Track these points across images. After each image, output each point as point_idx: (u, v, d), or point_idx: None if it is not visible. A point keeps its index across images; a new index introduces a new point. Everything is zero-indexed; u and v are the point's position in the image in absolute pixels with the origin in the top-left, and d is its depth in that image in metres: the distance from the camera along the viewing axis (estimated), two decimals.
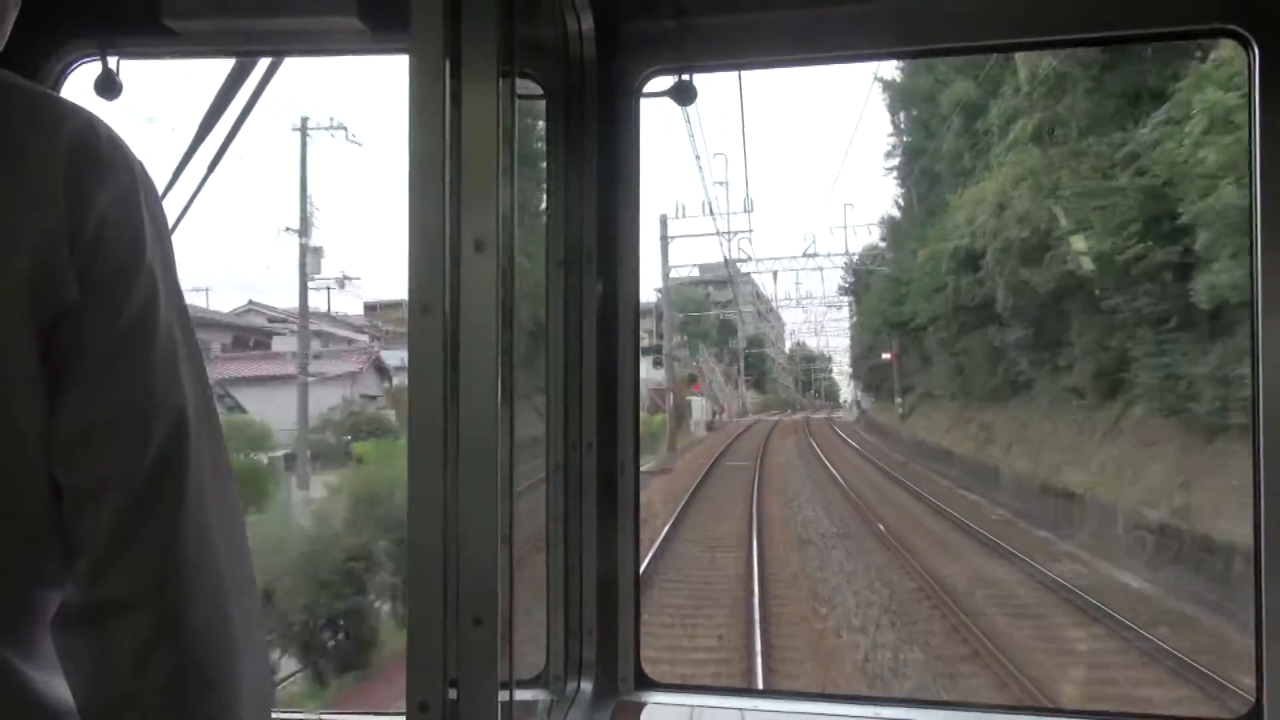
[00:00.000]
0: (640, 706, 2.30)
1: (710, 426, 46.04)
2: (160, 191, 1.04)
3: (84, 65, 2.22)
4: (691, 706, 2.33)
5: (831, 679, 9.56)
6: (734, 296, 56.41)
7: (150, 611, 0.90)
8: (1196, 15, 2.12)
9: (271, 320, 29.36)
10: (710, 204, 40.60)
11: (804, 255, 42.99)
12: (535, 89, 2.26)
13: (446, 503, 1.46)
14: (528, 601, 2.20)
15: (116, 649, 0.89)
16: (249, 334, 29.58)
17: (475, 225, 1.50)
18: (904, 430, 35.24)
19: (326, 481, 15.61)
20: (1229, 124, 12.77)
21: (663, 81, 2.33)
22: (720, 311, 59.38)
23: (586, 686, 2.28)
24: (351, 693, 10.13)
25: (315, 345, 28.13)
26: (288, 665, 10.31)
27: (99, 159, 0.94)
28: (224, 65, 2.21)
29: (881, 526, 16.95)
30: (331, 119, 21.64)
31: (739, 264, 41.47)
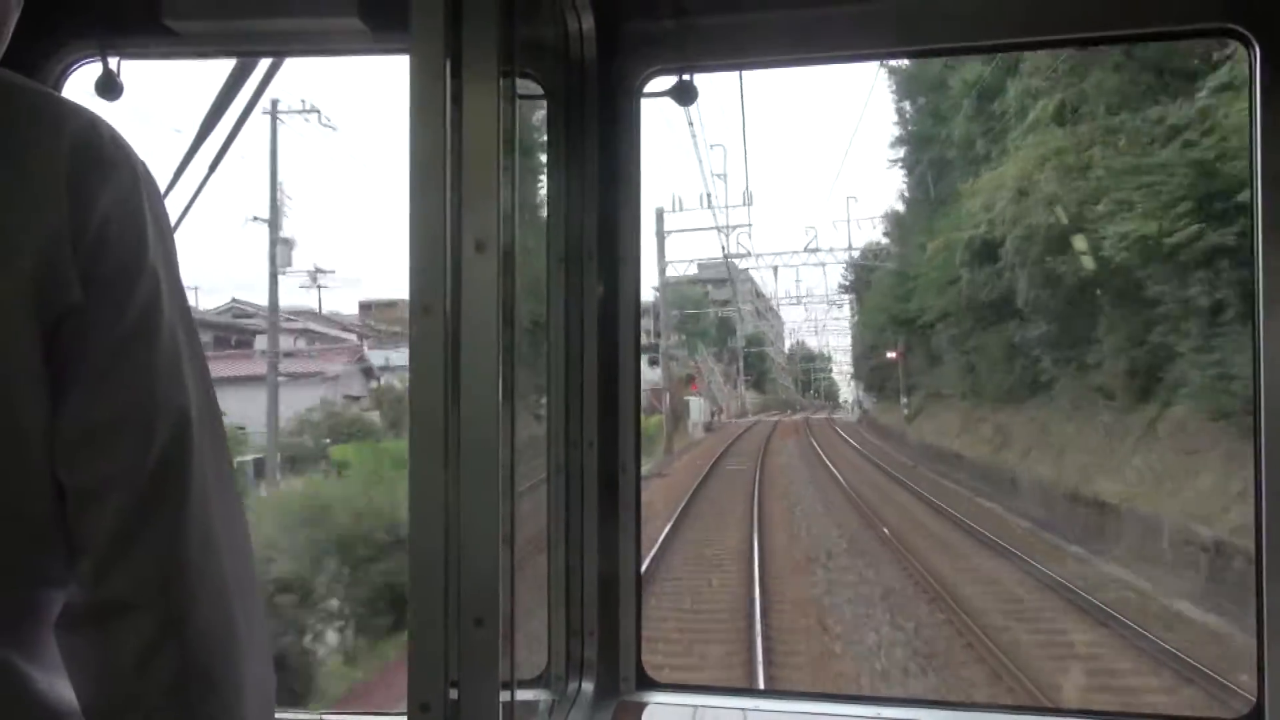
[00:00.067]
0: (642, 706, 2.30)
1: (709, 427, 45.24)
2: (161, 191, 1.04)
3: (84, 66, 2.22)
4: (693, 706, 2.33)
5: None
6: (733, 294, 55.68)
7: (154, 612, 0.90)
8: (1197, 15, 2.12)
9: (236, 317, 28.86)
10: (709, 197, 38.46)
11: (805, 250, 41.85)
12: (536, 89, 2.27)
13: (448, 503, 1.46)
14: (529, 601, 2.20)
15: (120, 649, 0.89)
16: (231, 333, 29.25)
17: (476, 225, 1.51)
18: (909, 432, 33.77)
19: (295, 489, 14.94)
20: None
21: (663, 81, 2.33)
22: (719, 309, 58.84)
23: (588, 686, 2.28)
24: None
25: (301, 344, 27.73)
26: None
27: (102, 159, 0.94)
28: (224, 65, 2.22)
29: (895, 540, 15.27)
30: (303, 101, 20.40)
31: (738, 259, 40.41)
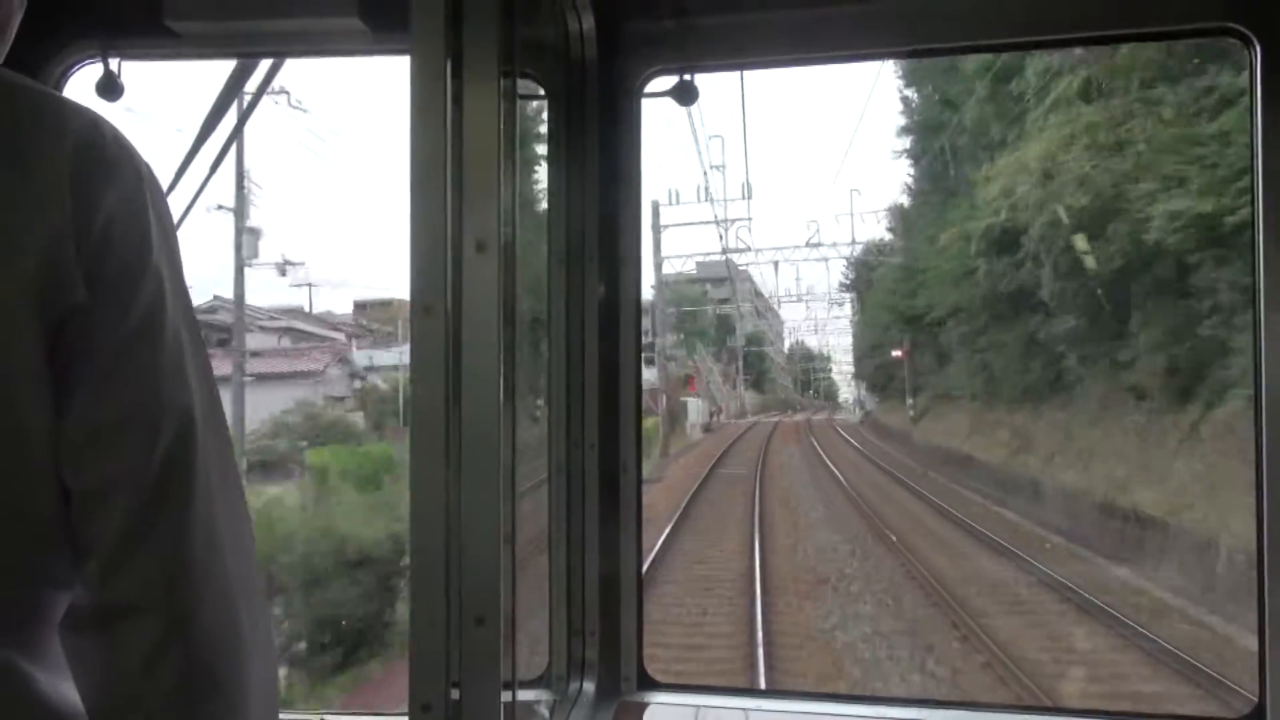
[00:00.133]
0: (643, 707, 2.30)
1: (707, 429, 44.55)
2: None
3: (86, 67, 2.23)
4: (695, 706, 2.33)
5: None
6: (732, 292, 55.04)
7: (159, 613, 0.90)
8: (1198, 14, 2.12)
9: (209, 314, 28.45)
10: (707, 190, 37.01)
11: (807, 245, 39.90)
12: (536, 89, 2.27)
13: (449, 503, 1.46)
14: (530, 601, 2.20)
15: (125, 651, 0.90)
16: (211, 331, 28.97)
17: (477, 225, 1.51)
18: (916, 434, 32.10)
19: (262, 495, 14.30)
20: None
21: (664, 81, 2.33)
22: (717, 307, 58.24)
23: (589, 687, 2.28)
24: None
25: (286, 343, 27.26)
26: None
27: (105, 159, 0.94)
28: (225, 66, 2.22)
29: (911, 556, 13.86)
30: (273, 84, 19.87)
31: (737, 254, 38.98)
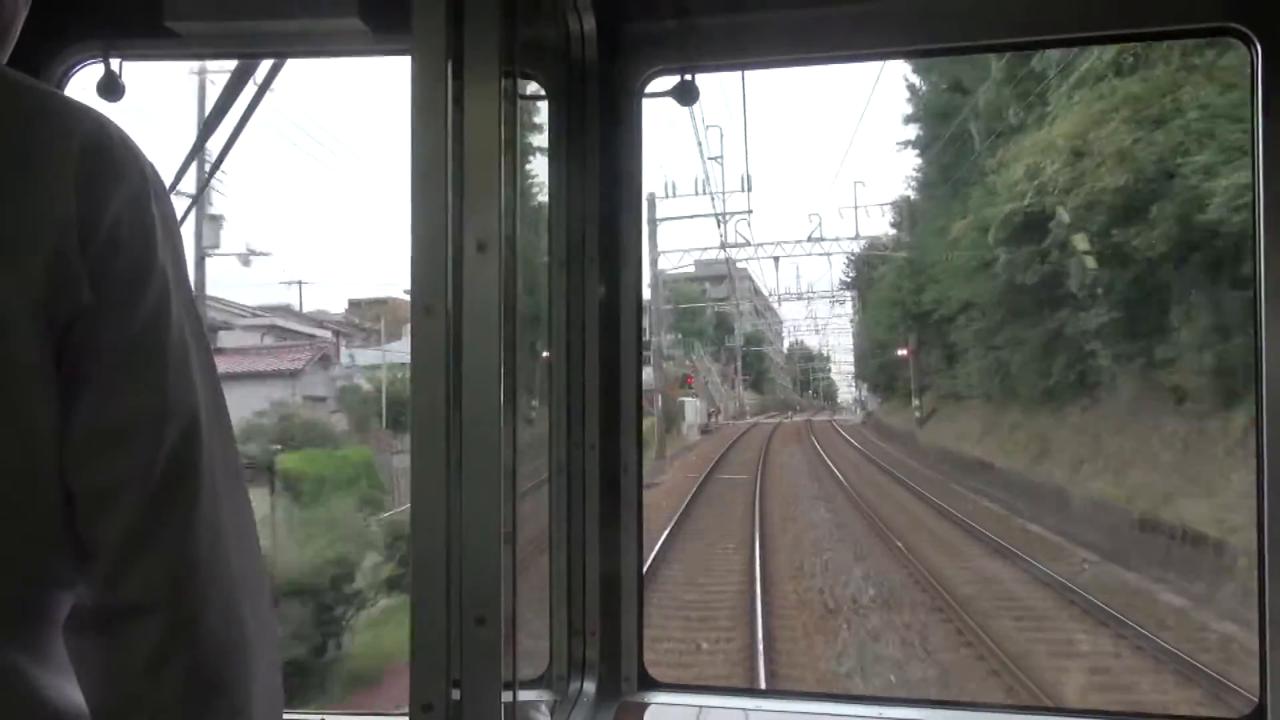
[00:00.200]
0: (644, 707, 2.30)
1: (705, 430, 43.50)
2: None
3: (87, 67, 2.23)
4: (695, 707, 2.33)
5: None
6: (731, 290, 54.15)
7: (165, 614, 0.90)
8: (1199, 14, 2.12)
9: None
10: (705, 182, 33.83)
11: (809, 239, 37.58)
12: (537, 90, 2.27)
13: (450, 503, 1.46)
14: (531, 601, 2.20)
15: (131, 653, 0.89)
16: None
17: (477, 226, 1.51)
18: (922, 436, 30.47)
19: None
20: None
21: (665, 81, 2.33)
22: (716, 304, 57.48)
23: (590, 687, 2.28)
24: None
25: (270, 341, 26.46)
26: None
27: (111, 160, 0.94)
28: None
29: (930, 577, 12.28)
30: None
31: (736, 248, 37.14)
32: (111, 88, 2.20)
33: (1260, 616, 1.99)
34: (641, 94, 2.33)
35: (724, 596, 12.32)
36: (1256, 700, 2.01)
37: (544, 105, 2.31)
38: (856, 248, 38.79)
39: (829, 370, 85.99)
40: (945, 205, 27.77)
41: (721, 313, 60.61)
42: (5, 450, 0.89)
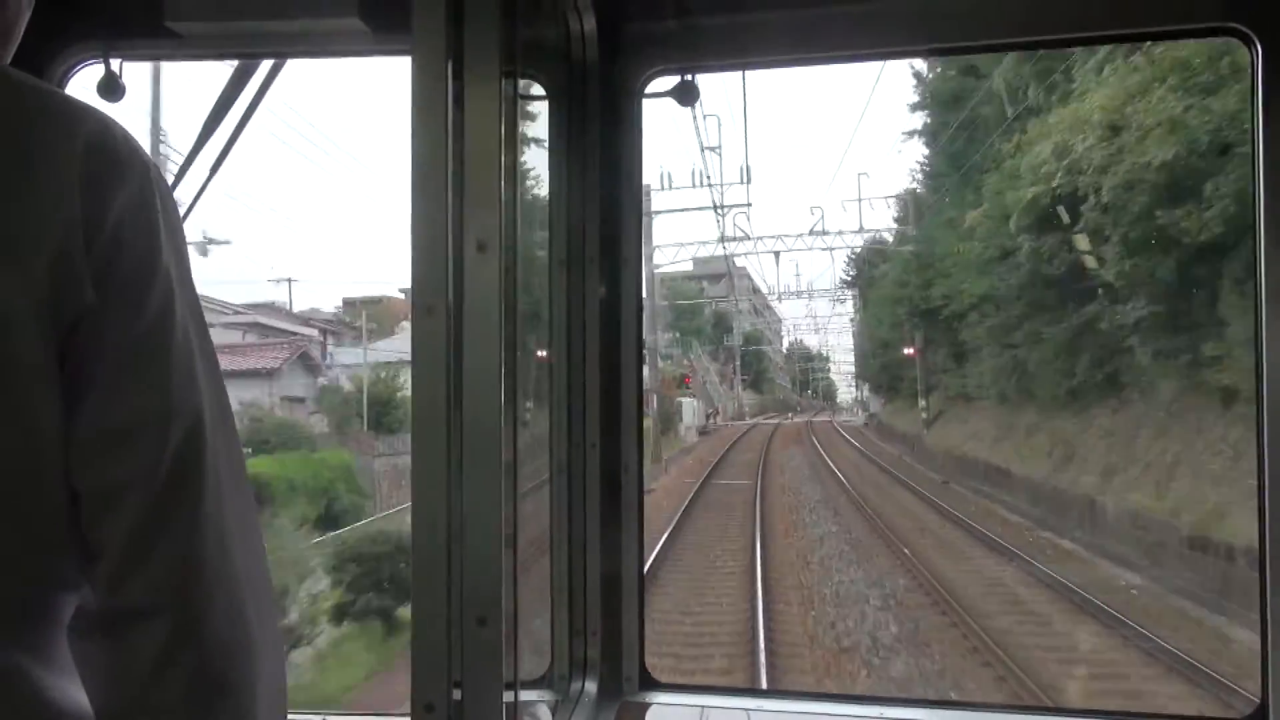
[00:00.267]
0: (645, 707, 2.30)
1: (703, 431, 42.76)
2: None
3: (88, 68, 2.23)
4: (696, 706, 2.33)
5: None
6: (730, 286, 53.14)
7: (170, 616, 0.90)
8: (1200, 14, 2.12)
9: None
10: (703, 173, 33.15)
11: (810, 233, 35.76)
12: (538, 90, 2.27)
13: (451, 503, 1.46)
14: (532, 601, 2.20)
15: (136, 655, 0.89)
16: None
17: (478, 226, 1.51)
18: (929, 439, 28.97)
19: None
20: None
21: (665, 82, 2.34)
22: (715, 300, 56.63)
23: (591, 687, 2.29)
24: None
25: (252, 339, 26.14)
26: None
27: (116, 160, 0.94)
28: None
29: (956, 606, 10.84)
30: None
31: (735, 242, 35.69)
32: (112, 88, 2.20)
33: (1262, 617, 1.99)
34: (642, 94, 2.33)
35: (720, 629, 11.12)
36: (1258, 700, 2.01)
37: (544, 105, 2.31)
38: (860, 241, 37.48)
39: (828, 370, 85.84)
40: (956, 195, 26.50)
41: (719, 312, 60.23)
42: (9, 451, 0.89)
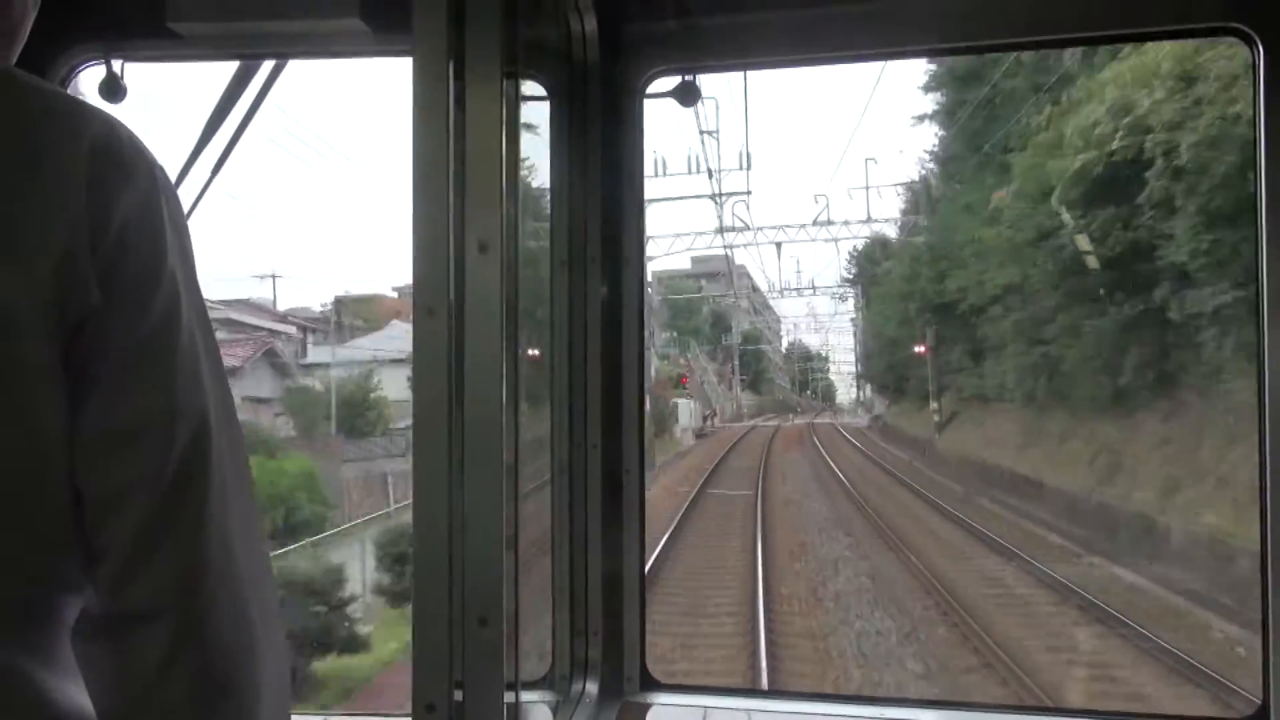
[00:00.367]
0: (646, 707, 2.30)
1: (700, 433, 41.50)
2: None
3: (89, 69, 2.23)
4: (697, 707, 2.33)
5: None
6: (730, 280, 51.76)
7: (174, 618, 0.90)
8: (1201, 14, 2.12)
9: None
10: (700, 159, 29.86)
11: (814, 223, 33.65)
12: (539, 90, 2.27)
13: (452, 504, 1.46)
14: (533, 602, 2.20)
15: (139, 657, 0.89)
16: None
17: (479, 226, 1.51)
18: (942, 443, 26.89)
19: None
20: None
21: (666, 82, 2.34)
22: (713, 296, 55.81)
23: (592, 687, 2.29)
24: None
25: (223, 335, 26.19)
26: None
27: (121, 162, 0.94)
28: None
29: (1001, 653, 9.13)
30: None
31: (734, 233, 33.78)
32: (114, 89, 2.20)
33: (1263, 618, 1.99)
34: (643, 94, 2.34)
35: (724, 632, 10.04)
36: (1260, 701, 2.01)
37: (545, 106, 2.31)
38: (868, 231, 35.81)
39: (828, 370, 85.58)
40: (976, 178, 24.49)
41: (718, 311, 59.75)
42: (13, 452, 0.88)
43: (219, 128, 2.18)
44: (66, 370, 0.89)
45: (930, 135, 31.94)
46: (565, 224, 2.33)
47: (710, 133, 27.75)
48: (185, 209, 1.08)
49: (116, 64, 2.20)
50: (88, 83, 2.23)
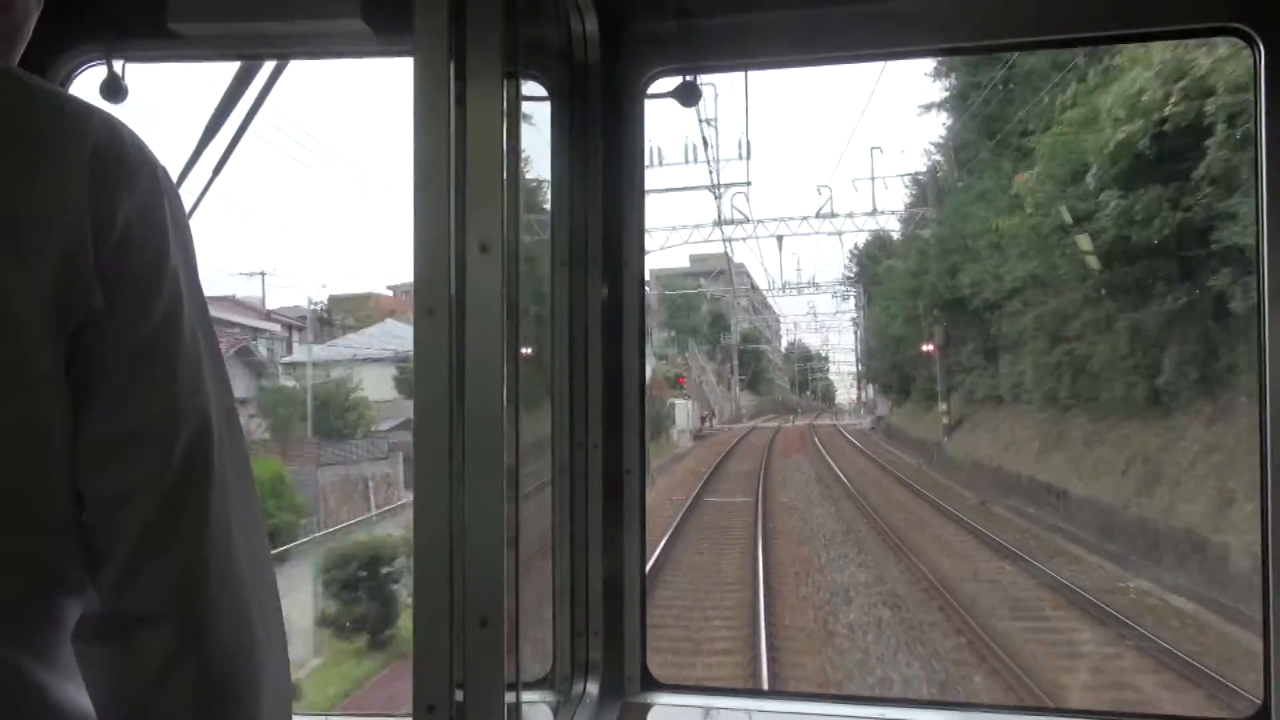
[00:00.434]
0: (647, 708, 2.30)
1: (698, 435, 40.75)
2: None
3: (90, 69, 2.23)
4: (698, 707, 2.33)
5: None
6: (729, 282, 51.65)
7: (175, 621, 0.90)
8: (1202, 14, 2.12)
9: None
10: (698, 148, 29.32)
11: (817, 215, 32.65)
12: (540, 90, 2.27)
13: (453, 504, 1.46)
14: (534, 603, 2.20)
15: (140, 660, 0.89)
16: None
17: (480, 227, 1.51)
18: (950, 447, 25.71)
19: None
20: None
21: (667, 82, 2.34)
22: (712, 293, 55.24)
23: (593, 688, 2.29)
24: None
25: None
26: None
27: (124, 162, 0.94)
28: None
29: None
30: None
31: (733, 225, 32.90)
32: (115, 89, 2.20)
33: (1264, 617, 1.99)
34: (644, 94, 2.34)
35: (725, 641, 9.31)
36: (1260, 701, 2.01)
37: (546, 106, 2.31)
38: (873, 223, 34.21)
39: (828, 370, 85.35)
40: (991, 164, 23.13)
41: (716, 310, 59.40)
42: (15, 452, 0.88)
43: (220, 128, 2.18)
44: (69, 371, 0.89)
45: (938, 124, 31.06)
46: (566, 224, 2.33)
47: (709, 121, 27.04)
48: (186, 209, 1.08)
49: (118, 64, 2.20)
50: (89, 83, 2.23)
